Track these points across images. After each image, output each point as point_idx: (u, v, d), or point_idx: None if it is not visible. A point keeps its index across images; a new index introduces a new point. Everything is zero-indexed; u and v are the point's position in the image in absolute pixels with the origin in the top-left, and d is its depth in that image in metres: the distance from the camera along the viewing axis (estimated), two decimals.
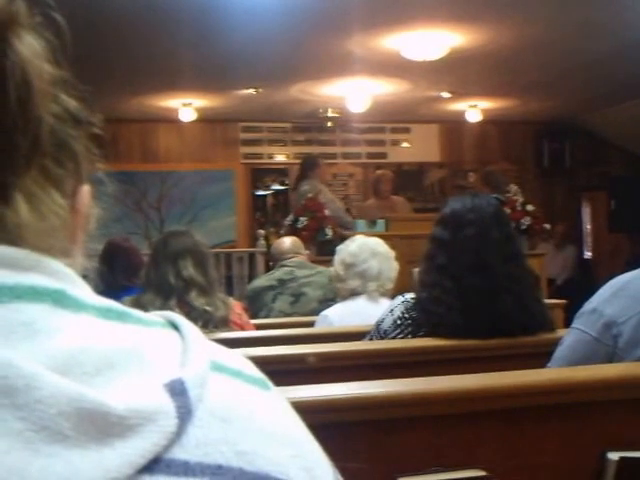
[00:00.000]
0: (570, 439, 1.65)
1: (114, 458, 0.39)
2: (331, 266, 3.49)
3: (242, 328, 2.96)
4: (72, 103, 0.49)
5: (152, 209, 9.69)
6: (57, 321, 0.43)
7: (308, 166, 7.60)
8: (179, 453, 0.42)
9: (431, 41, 6.63)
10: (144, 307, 2.49)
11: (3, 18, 0.43)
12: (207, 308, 2.72)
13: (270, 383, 0.52)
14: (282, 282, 4.14)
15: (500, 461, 1.59)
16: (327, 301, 3.88)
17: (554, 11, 5.89)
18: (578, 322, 1.97)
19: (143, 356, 0.45)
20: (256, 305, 4.12)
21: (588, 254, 10.80)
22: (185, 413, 0.43)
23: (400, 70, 7.47)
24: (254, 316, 3.78)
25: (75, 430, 0.39)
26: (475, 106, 9.28)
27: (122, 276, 3.80)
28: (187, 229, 3.07)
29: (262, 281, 4.36)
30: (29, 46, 0.45)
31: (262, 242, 8.28)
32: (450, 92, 8.62)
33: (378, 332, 2.53)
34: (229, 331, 2.79)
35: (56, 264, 0.46)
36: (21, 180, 0.44)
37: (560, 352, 2.00)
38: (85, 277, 0.50)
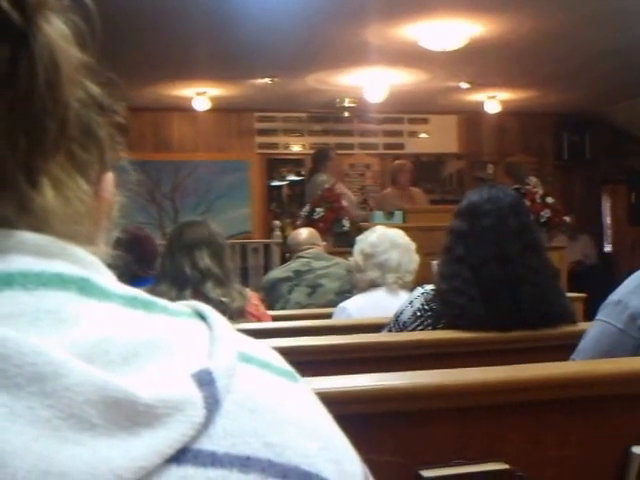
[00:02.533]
0: (594, 433, 1.64)
1: (142, 447, 0.39)
2: (348, 257, 3.48)
3: (259, 319, 2.96)
4: (96, 89, 0.49)
5: (166, 199, 9.69)
6: (82, 309, 0.42)
7: (319, 159, 7.58)
8: (207, 444, 0.42)
9: (449, 31, 6.61)
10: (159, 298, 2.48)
11: (33, 1, 0.42)
12: (223, 299, 2.71)
13: (298, 375, 0.51)
14: (298, 273, 4.13)
15: (523, 454, 1.58)
16: (344, 293, 3.88)
17: (575, 0, 5.84)
18: (603, 314, 1.96)
19: (169, 346, 0.44)
20: (272, 296, 4.12)
21: (608, 247, 10.74)
22: (213, 404, 0.42)
23: (418, 60, 7.45)
24: (270, 307, 3.78)
25: (102, 418, 0.39)
26: (494, 97, 9.25)
27: (137, 267, 3.78)
28: (203, 219, 3.06)
29: (278, 272, 4.36)
30: (57, 29, 0.44)
31: (278, 233, 8.28)
32: (469, 83, 8.58)
33: (397, 324, 2.52)
34: (245, 322, 2.78)
35: (81, 251, 0.46)
36: (48, 165, 0.44)
37: (585, 344, 1.99)
38: (110, 266, 0.50)
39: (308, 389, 0.51)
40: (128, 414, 0.39)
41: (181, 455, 0.40)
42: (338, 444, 0.48)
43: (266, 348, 0.51)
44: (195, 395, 0.42)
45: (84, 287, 0.44)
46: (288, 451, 0.44)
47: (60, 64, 0.43)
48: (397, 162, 8.25)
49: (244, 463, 0.42)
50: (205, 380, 0.43)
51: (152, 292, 2.22)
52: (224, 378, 0.44)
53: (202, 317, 0.50)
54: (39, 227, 0.44)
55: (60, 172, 0.45)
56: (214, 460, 0.41)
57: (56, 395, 0.38)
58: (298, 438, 0.45)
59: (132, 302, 0.46)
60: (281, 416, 0.45)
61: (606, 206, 10.91)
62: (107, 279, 0.47)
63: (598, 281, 7.35)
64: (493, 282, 2.35)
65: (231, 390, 0.44)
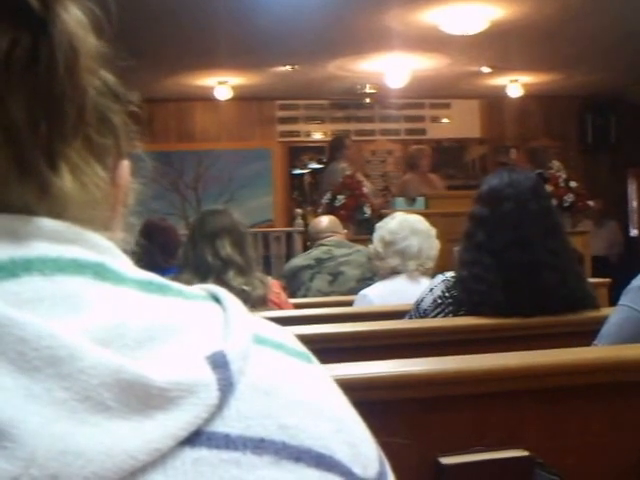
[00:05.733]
0: (616, 419, 1.63)
1: (156, 430, 0.40)
2: (369, 245, 3.47)
3: (280, 307, 2.97)
4: (111, 78, 0.50)
5: (189, 189, 9.76)
6: (98, 294, 0.43)
7: (336, 147, 7.57)
8: (220, 426, 0.42)
9: (470, 15, 6.59)
10: None
11: None
12: (245, 288, 2.73)
13: (313, 357, 0.52)
14: (320, 261, 4.14)
15: (544, 441, 1.58)
16: (365, 280, 3.88)
17: None
18: (625, 299, 1.95)
19: (184, 329, 0.45)
20: (294, 284, 4.13)
21: (634, 231, 10.65)
22: (226, 386, 0.43)
23: (439, 45, 7.42)
24: (292, 295, 3.80)
25: (117, 401, 0.39)
26: (516, 81, 9.20)
27: (159, 257, 3.84)
28: (225, 208, 3.08)
29: (300, 260, 4.37)
30: (75, 17, 0.45)
31: (300, 221, 8.30)
32: (490, 67, 8.54)
33: (418, 311, 2.52)
34: (267, 310, 2.80)
35: (97, 237, 0.47)
36: (67, 150, 0.45)
37: (607, 329, 1.98)
38: (127, 252, 0.51)
39: (323, 371, 0.51)
40: (142, 397, 0.40)
41: (195, 437, 0.41)
42: (353, 426, 0.48)
43: (280, 330, 0.51)
44: (209, 378, 0.42)
45: (99, 272, 0.44)
46: (302, 433, 0.44)
47: (79, 50, 0.44)
48: (415, 147, 8.21)
49: (258, 445, 0.42)
50: (219, 362, 0.43)
51: (175, 281, 2.24)
52: (238, 360, 0.44)
53: (217, 300, 0.50)
54: (58, 212, 0.45)
55: (77, 158, 0.46)
56: (228, 442, 0.42)
57: (72, 378, 0.39)
58: (312, 420, 0.45)
59: (147, 286, 0.46)
60: (295, 398, 0.46)
61: (632, 190, 10.81)
62: (122, 264, 0.47)
63: (624, 266, 7.29)
64: (514, 268, 2.33)
65: (245, 372, 0.44)
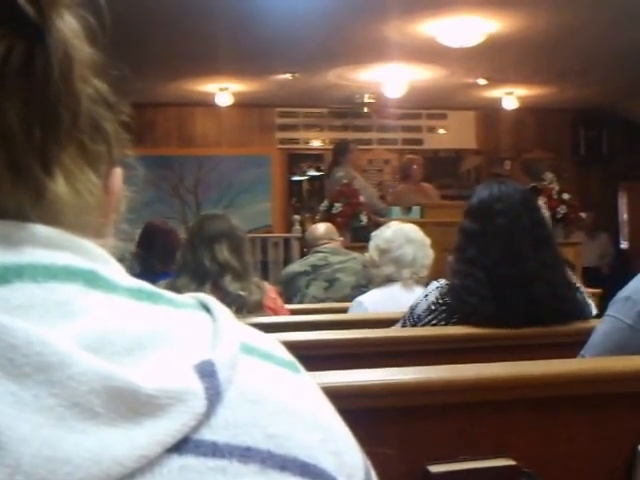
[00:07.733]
0: (602, 430, 1.63)
1: (144, 436, 0.40)
2: (365, 252, 3.50)
3: (276, 313, 2.97)
4: (103, 87, 0.50)
5: (189, 194, 9.76)
6: (89, 301, 0.43)
7: (340, 152, 7.60)
8: (208, 434, 0.42)
9: (467, 27, 6.62)
10: (179, 291, 2.50)
11: None
12: (241, 293, 2.72)
13: (300, 366, 0.52)
14: (316, 268, 4.16)
15: (531, 451, 1.58)
16: (360, 287, 3.90)
17: None
18: (612, 310, 1.95)
19: (173, 337, 0.45)
20: (290, 290, 4.14)
21: (624, 244, 10.68)
22: (214, 395, 0.43)
23: (436, 56, 7.45)
24: (288, 301, 3.79)
25: (105, 408, 0.39)
26: (511, 93, 9.23)
27: (159, 261, 3.82)
28: (223, 213, 3.09)
29: (296, 266, 4.39)
30: (70, 26, 0.45)
31: (297, 227, 8.30)
32: (486, 79, 8.56)
33: (412, 316, 2.53)
34: (263, 316, 2.80)
35: (89, 244, 0.47)
36: (61, 155, 0.45)
37: (594, 340, 1.98)
38: (122, 260, 0.51)
39: (310, 380, 0.51)
40: (130, 404, 0.40)
41: (183, 445, 0.41)
42: (339, 436, 0.48)
43: (268, 339, 0.52)
44: (197, 386, 0.42)
45: (91, 279, 0.44)
46: (288, 442, 0.44)
47: (74, 58, 0.45)
48: (408, 157, 8.26)
49: (244, 454, 0.42)
50: (207, 371, 0.43)
51: (172, 285, 2.22)
52: (226, 369, 0.44)
53: (206, 309, 0.50)
54: (52, 218, 0.45)
55: (71, 164, 0.46)
56: (215, 450, 0.42)
57: (61, 384, 0.39)
58: (299, 429, 0.45)
59: (138, 294, 0.47)
60: (282, 407, 0.46)
61: (622, 203, 10.84)
62: (114, 271, 0.47)
63: (614, 276, 7.32)
64: (506, 281, 2.34)
65: (233, 381, 0.45)
